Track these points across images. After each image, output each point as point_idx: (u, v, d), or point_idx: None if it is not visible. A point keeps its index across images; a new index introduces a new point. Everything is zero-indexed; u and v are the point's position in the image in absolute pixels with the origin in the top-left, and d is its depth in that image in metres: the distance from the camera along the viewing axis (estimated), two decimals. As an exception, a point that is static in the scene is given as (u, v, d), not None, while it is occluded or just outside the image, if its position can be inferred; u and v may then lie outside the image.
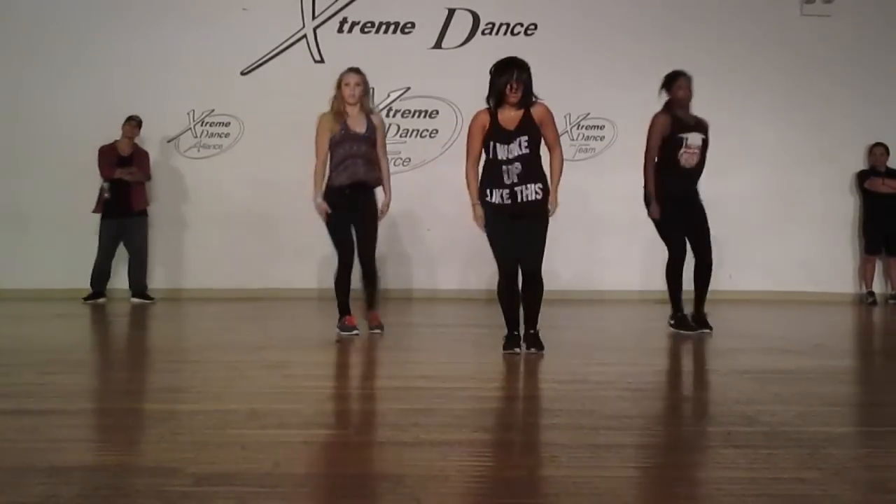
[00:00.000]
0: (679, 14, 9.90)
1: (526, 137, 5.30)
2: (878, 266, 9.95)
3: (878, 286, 9.93)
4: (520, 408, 4.03)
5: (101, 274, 9.12)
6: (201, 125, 9.78)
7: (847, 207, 10.08)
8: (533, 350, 5.40)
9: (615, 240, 9.70)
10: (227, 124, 9.77)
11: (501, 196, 5.33)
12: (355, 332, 6.12)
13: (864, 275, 9.90)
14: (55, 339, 6.34)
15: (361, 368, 5.17)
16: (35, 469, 2.89)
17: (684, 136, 6.48)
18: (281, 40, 9.74)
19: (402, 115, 9.89)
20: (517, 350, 5.41)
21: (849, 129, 9.92)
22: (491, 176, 5.37)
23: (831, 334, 7.38)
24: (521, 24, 9.92)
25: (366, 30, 9.87)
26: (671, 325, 6.56)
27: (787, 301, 9.33)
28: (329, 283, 6.37)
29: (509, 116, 5.34)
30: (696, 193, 6.60)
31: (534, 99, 5.38)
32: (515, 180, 5.30)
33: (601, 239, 9.66)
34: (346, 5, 9.86)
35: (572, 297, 8.94)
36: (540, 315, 5.51)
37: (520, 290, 5.49)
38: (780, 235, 9.62)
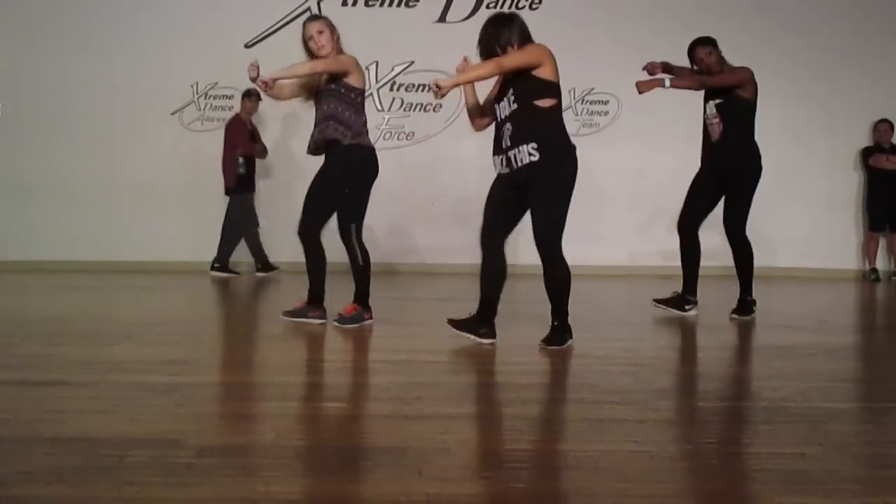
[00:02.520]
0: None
1: (511, 91, 4.72)
2: (882, 243, 9.94)
3: (881, 263, 9.92)
4: (522, 382, 4.04)
5: (260, 246, 9.19)
6: (205, 98, 9.75)
7: (850, 184, 10.06)
8: (543, 346, 4.79)
9: (619, 215, 9.69)
10: (231, 97, 9.73)
11: (501, 162, 4.78)
12: (291, 317, 5.64)
13: (868, 251, 9.89)
14: (60, 311, 6.35)
15: (364, 342, 5.18)
16: (40, 440, 2.90)
17: (705, 104, 6.19)
18: (285, 13, 9.69)
19: (406, 89, 9.85)
20: (470, 336, 4.87)
21: (852, 105, 9.87)
22: (494, 140, 4.85)
23: (834, 311, 7.38)
24: (526, -2, 9.86)
25: (370, 3, 9.82)
26: None
27: (789, 277, 9.32)
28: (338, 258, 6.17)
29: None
30: (730, 170, 6.08)
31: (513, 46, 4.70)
32: (508, 143, 4.70)
33: (604, 213, 9.63)
34: (350, -22, 9.82)
35: (575, 273, 8.92)
36: (565, 305, 4.86)
37: (495, 268, 4.93)
38: (783, 212, 9.60)
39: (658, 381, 4.13)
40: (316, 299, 5.62)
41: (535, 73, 4.66)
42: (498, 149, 4.80)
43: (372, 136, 5.72)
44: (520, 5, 9.79)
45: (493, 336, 4.88)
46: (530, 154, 4.64)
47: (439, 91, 4.58)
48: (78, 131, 9.51)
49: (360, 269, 5.55)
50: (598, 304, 7.05)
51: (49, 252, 9.34)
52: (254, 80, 5.23)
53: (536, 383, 4.16)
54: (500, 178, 4.87)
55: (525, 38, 4.76)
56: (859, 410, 3.75)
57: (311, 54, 5.50)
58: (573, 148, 4.79)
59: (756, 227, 6.23)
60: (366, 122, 5.59)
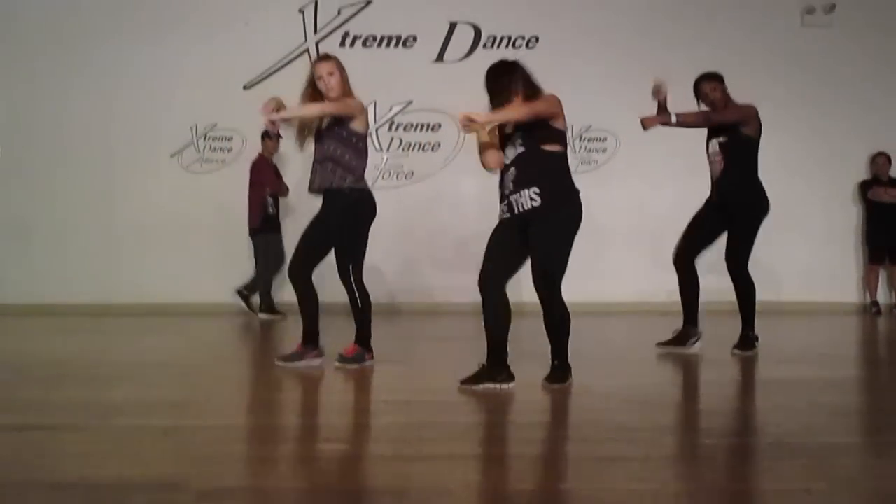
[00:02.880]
0: (679, 26, 9.91)
1: (520, 134, 4.69)
2: (882, 275, 9.93)
3: (881, 296, 9.90)
4: (524, 421, 4.02)
5: (270, 289, 9.10)
6: (204, 139, 9.80)
7: (849, 216, 10.07)
8: (547, 384, 4.71)
9: (618, 251, 9.69)
10: (230, 139, 9.78)
11: (504, 209, 4.74)
12: (288, 362, 5.48)
13: (868, 284, 9.88)
14: (61, 354, 6.33)
15: (366, 382, 5.16)
16: (40, 484, 2.88)
17: (708, 142, 6.19)
18: (283, 54, 9.77)
19: (405, 129, 9.90)
20: (490, 385, 4.66)
21: (850, 138, 9.92)
22: (499, 187, 4.80)
23: (835, 344, 7.35)
24: (523, 38, 9.94)
25: (367, 44, 9.90)
26: None
27: (789, 311, 9.30)
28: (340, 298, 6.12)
29: None
30: (734, 206, 6.05)
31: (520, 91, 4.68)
32: (511, 188, 4.67)
33: (604, 251, 9.63)
34: (349, 19, 9.90)
35: (575, 310, 8.90)
36: (565, 345, 4.81)
37: (498, 310, 4.80)
38: (782, 245, 9.59)
39: (661, 417, 4.11)
40: (311, 339, 5.58)
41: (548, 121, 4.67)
42: (501, 196, 4.77)
43: (371, 176, 5.72)
44: (516, 44, 9.87)
45: (512, 378, 4.73)
46: (531, 199, 4.61)
47: (471, 124, 4.52)
48: (77, 173, 9.55)
49: (360, 310, 5.51)
50: (599, 341, 7.03)
51: (49, 295, 9.33)
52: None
53: (539, 422, 4.13)
54: (502, 222, 4.80)
55: (530, 83, 4.74)
56: (864, 444, 3.73)
57: (316, 92, 5.48)
58: (576, 192, 4.74)
59: (756, 260, 6.22)
60: (366, 166, 5.57)
